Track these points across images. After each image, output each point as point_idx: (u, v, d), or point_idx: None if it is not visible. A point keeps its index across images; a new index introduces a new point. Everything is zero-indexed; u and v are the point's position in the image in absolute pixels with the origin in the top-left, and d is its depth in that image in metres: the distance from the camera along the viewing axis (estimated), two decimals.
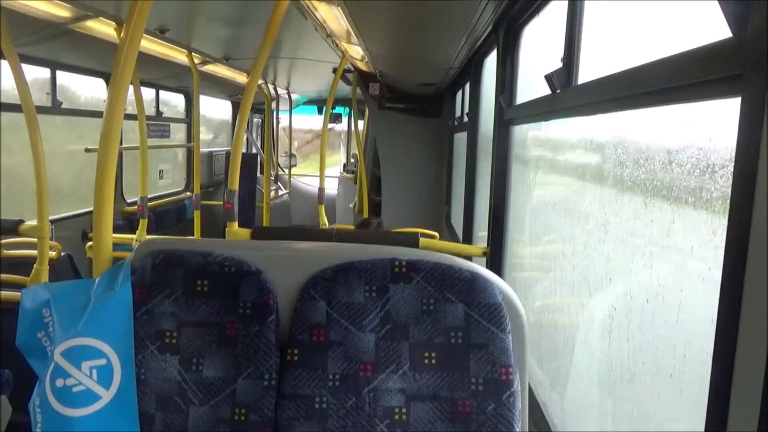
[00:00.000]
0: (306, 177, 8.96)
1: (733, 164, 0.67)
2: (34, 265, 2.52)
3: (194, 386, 1.27)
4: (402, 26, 2.73)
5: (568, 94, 1.46)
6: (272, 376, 1.26)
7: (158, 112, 5.73)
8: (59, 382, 1.22)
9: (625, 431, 1.14)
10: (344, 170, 8.49)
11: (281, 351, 1.28)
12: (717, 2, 0.66)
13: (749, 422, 0.60)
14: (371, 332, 1.25)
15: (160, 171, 6.05)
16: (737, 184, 0.64)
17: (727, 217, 0.68)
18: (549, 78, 1.51)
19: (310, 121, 10.15)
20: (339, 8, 2.52)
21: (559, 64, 1.50)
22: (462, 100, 4.32)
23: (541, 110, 1.79)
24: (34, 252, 2.58)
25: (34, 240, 2.57)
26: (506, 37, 2.31)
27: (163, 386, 1.27)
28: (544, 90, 1.60)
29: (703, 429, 0.70)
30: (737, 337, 0.63)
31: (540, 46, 2.01)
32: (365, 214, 5.16)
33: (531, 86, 1.97)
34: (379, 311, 1.26)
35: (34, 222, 2.56)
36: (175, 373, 1.27)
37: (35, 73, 3.81)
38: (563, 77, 1.46)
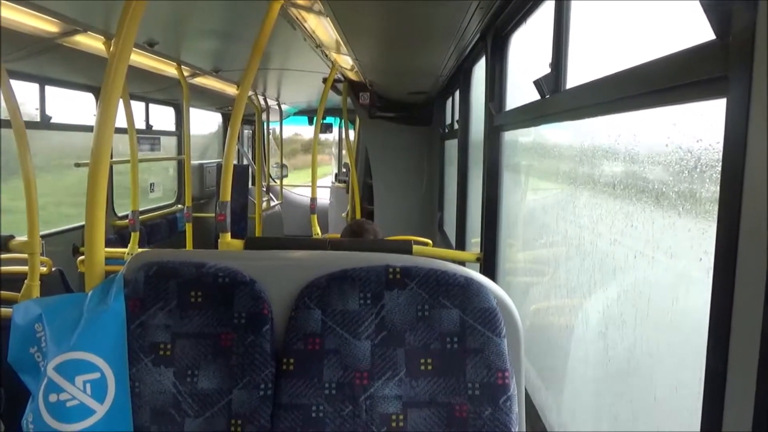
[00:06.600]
0: (298, 187, 8.96)
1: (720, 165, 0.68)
2: (25, 281, 2.50)
3: (189, 398, 1.26)
4: (390, 36, 2.75)
5: (557, 99, 1.47)
6: (268, 386, 1.25)
7: (148, 126, 5.72)
8: (52, 398, 1.21)
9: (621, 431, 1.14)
10: (336, 179, 8.49)
11: (276, 361, 1.27)
12: (699, 4, 0.67)
13: (744, 421, 0.60)
14: (367, 339, 1.25)
15: (151, 184, 6.03)
16: (725, 184, 0.65)
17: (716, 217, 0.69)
18: (538, 83, 1.53)
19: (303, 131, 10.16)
20: (328, 19, 2.53)
21: (548, 70, 1.52)
22: (452, 107, 4.34)
23: (530, 116, 1.81)
24: (25, 268, 2.56)
25: (25, 256, 2.55)
26: (494, 45, 2.34)
27: (157, 399, 1.26)
28: (535, 95, 1.61)
29: (699, 428, 0.71)
30: (730, 334, 0.63)
31: (530, 51, 2.03)
32: None
33: (522, 91, 1.99)
34: (374, 318, 1.26)
35: (24, 237, 2.54)
36: (170, 385, 1.26)
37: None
38: (552, 82, 1.48)
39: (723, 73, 0.65)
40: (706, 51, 0.69)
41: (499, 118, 2.29)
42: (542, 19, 1.73)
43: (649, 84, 0.87)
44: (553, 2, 1.52)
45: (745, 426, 0.60)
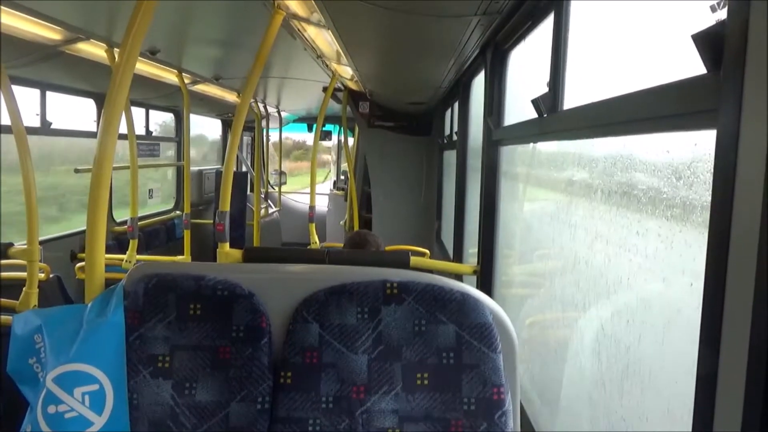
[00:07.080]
0: (296, 194, 8.96)
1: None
2: (24, 289, 2.50)
3: (187, 411, 1.27)
4: (391, 49, 2.78)
5: (554, 119, 1.49)
6: (266, 400, 1.26)
7: (148, 132, 5.73)
8: (51, 409, 1.22)
9: None
10: (335, 187, 8.51)
11: (274, 374, 1.28)
12: (692, 40, 0.69)
13: (733, 423, 0.61)
14: (364, 354, 1.26)
15: (149, 190, 6.03)
16: (715, 213, 0.67)
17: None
18: (536, 102, 1.55)
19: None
20: (329, 31, 2.56)
21: (546, 89, 1.54)
22: (451, 118, 4.37)
23: (528, 133, 1.83)
24: (22, 274, 2.56)
25: (23, 262, 2.56)
26: (493, 60, 2.36)
27: (156, 411, 1.27)
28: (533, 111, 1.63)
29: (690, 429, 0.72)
30: (720, 340, 0.65)
31: (530, 66, 2.05)
32: None
33: (522, 104, 2.00)
34: (372, 333, 1.27)
35: (23, 244, 2.55)
36: (168, 397, 1.27)
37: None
38: (549, 102, 1.50)
39: (714, 106, 0.67)
40: (698, 83, 0.71)
41: (498, 133, 2.31)
42: (541, 37, 1.75)
43: (642, 111, 0.89)
44: (552, 22, 1.54)
45: (734, 427, 0.61)
